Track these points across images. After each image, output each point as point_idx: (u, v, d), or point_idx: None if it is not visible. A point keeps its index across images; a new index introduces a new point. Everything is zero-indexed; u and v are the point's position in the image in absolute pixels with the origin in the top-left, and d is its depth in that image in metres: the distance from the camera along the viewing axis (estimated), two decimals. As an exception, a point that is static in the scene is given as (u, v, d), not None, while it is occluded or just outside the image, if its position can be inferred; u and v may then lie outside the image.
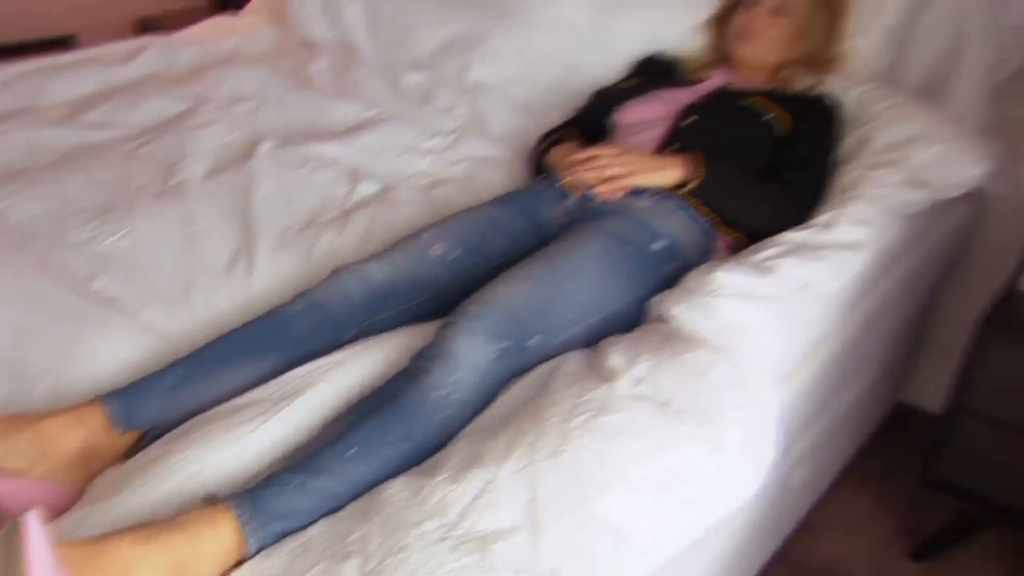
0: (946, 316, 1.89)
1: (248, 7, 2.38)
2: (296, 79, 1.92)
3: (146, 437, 0.99)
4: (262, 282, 1.26)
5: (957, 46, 1.60)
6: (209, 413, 0.98)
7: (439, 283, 1.23)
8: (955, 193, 1.43)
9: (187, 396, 1.01)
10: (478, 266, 1.26)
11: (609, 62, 1.76)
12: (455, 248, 1.26)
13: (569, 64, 1.82)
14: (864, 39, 1.60)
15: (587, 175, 1.34)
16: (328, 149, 1.62)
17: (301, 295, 1.14)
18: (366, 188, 1.52)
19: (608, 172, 1.33)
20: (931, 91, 1.64)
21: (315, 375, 1.03)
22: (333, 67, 1.98)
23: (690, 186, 1.33)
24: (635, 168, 1.33)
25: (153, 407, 0.99)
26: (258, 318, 1.11)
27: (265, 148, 1.57)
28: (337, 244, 1.36)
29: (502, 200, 1.40)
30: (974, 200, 1.66)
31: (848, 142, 1.49)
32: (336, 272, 1.19)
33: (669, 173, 1.34)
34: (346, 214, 1.45)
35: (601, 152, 1.36)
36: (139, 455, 0.94)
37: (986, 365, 1.38)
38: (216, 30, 2.21)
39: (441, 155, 1.66)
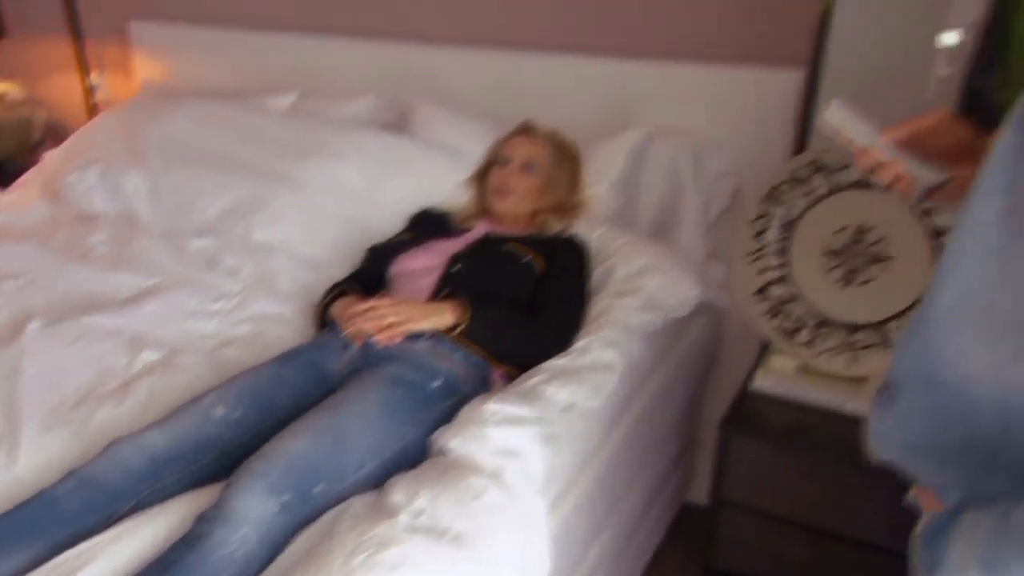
0: (706, 418, 2.14)
1: (16, 183, 2.32)
2: (72, 253, 1.90)
3: None
4: (28, 467, 1.21)
5: (674, 193, 1.93)
6: (-36, 613, 0.93)
7: (223, 443, 1.25)
8: (682, 312, 1.68)
9: (-62, 599, 0.94)
10: (263, 422, 1.29)
11: (386, 217, 1.91)
12: (238, 407, 1.29)
13: (349, 222, 1.95)
14: (599, 188, 1.88)
15: (367, 325, 1.44)
16: (107, 320, 1.61)
17: (71, 472, 1.12)
18: (149, 355, 1.52)
19: (386, 321, 1.44)
20: (662, 228, 1.95)
21: (89, 554, 1.01)
22: (113, 238, 1.97)
23: (459, 328, 1.47)
24: (410, 315, 1.46)
25: None
26: (23, 502, 1.07)
27: (34, 326, 1.53)
28: (115, 416, 1.34)
29: (286, 356, 1.46)
30: (711, 314, 1.95)
31: (596, 275, 1.72)
32: (112, 444, 1.18)
33: (440, 318, 1.47)
34: (127, 384, 1.43)
35: (378, 303, 1.47)
36: None
37: (731, 459, 1.59)
38: (-19, 207, 2.14)
39: (228, 316, 1.70)
